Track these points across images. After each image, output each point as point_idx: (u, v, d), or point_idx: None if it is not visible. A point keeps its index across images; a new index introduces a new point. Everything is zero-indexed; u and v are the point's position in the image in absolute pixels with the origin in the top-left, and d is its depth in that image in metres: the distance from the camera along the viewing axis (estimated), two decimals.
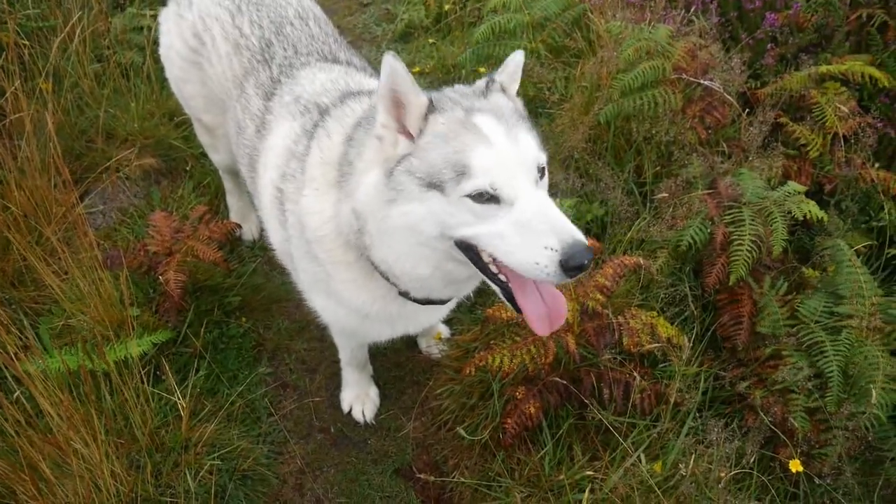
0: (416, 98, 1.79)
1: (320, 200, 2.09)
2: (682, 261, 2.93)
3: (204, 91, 2.92)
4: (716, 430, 2.48)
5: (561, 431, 2.66)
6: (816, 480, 2.37)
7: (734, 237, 2.74)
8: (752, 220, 2.75)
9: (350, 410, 3.06)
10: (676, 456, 2.48)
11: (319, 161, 2.11)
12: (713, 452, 2.44)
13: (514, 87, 2.01)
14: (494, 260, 1.82)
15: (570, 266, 1.65)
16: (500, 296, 1.93)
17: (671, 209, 2.91)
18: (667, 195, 2.91)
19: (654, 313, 2.71)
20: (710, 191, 2.93)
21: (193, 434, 2.67)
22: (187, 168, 3.97)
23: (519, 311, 1.90)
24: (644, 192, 3.27)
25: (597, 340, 2.59)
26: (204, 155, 4.05)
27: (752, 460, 2.44)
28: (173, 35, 2.90)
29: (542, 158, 1.81)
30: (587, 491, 2.41)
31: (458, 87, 1.97)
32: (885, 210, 3.05)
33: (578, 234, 1.69)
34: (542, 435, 2.66)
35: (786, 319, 2.69)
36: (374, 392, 3.09)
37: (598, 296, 2.56)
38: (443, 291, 2.12)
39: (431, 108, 1.81)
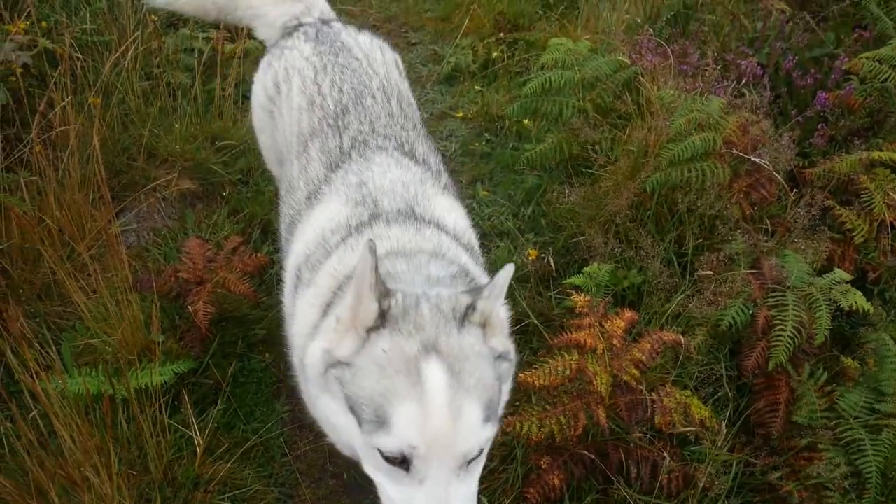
0: (370, 304, 1.54)
1: (310, 310, 1.89)
2: (720, 340, 2.86)
3: (273, 144, 2.86)
4: None
5: None
6: None
7: (776, 321, 2.67)
8: (796, 305, 2.68)
9: None
10: None
11: (331, 271, 1.92)
12: None
13: (498, 304, 1.73)
14: None
15: None
16: None
17: (713, 286, 2.84)
18: (710, 272, 2.85)
19: (688, 392, 2.64)
20: (754, 270, 2.87)
21: (206, 471, 2.62)
22: (224, 193, 3.96)
23: None
24: (683, 262, 3.21)
25: (628, 416, 2.52)
26: (242, 181, 4.07)
27: None
28: (259, 83, 2.88)
29: (483, 438, 1.51)
30: None
31: (445, 295, 1.64)
32: None
33: None
34: None
35: (823, 411, 2.61)
36: None
37: (634, 370, 2.48)
38: None
39: (382, 321, 1.54)
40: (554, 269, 3.25)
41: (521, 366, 2.69)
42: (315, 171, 2.37)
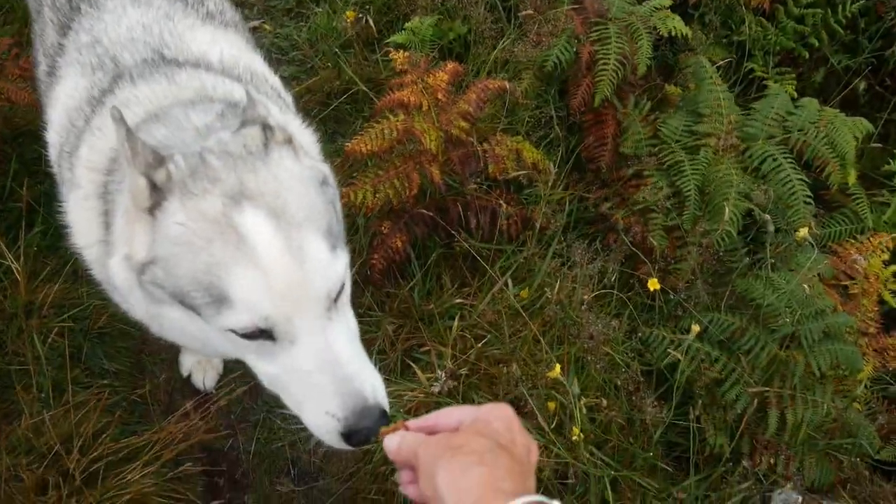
0: (137, 181, 1.23)
1: (86, 217, 1.55)
2: (548, 82, 2.85)
3: None
4: (579, 251, 2.54)
5: (429, 262, 2.64)
6: (671, 294, 2.49)
7: (600, 56, 2.65)
8: (618, 37, 2.66)
9: (189, 376, 2.61)
10: (542, 279, 2.53)
11: (87, 164, 1.56)
12: (577, 273, 2.50)
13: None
14: None
15: (353, 441, 1.32)
16: None
17: (536, 26, 2.77)
18: (532, 12, 2.75)
19: (520, 138, 2.66)
20: (576, 6, 2.79)
21: (36, 296, 2.46)
22: None
23: None
24: (508, 6, 3.09)
25: (462, 169, 2.53)
26: None
27: (613, 279, 2.52)
28: None
29: (339, 270, 1.31)
30: (457, 318, 2.45)
31: (227, 138, 1.32)
32: (746, 23, 3.04)
33: (371, 395, 1.32)
34: (410, 267, 2.63)
35: (648, 139, 2.71)
36: (217, 359, 2.59)
37: (462, 123, 2.44)
38: None
39: (161, 194, 1.24)
40: (375, 30, 3.05)
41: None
42: (50, 39, 1.90)
